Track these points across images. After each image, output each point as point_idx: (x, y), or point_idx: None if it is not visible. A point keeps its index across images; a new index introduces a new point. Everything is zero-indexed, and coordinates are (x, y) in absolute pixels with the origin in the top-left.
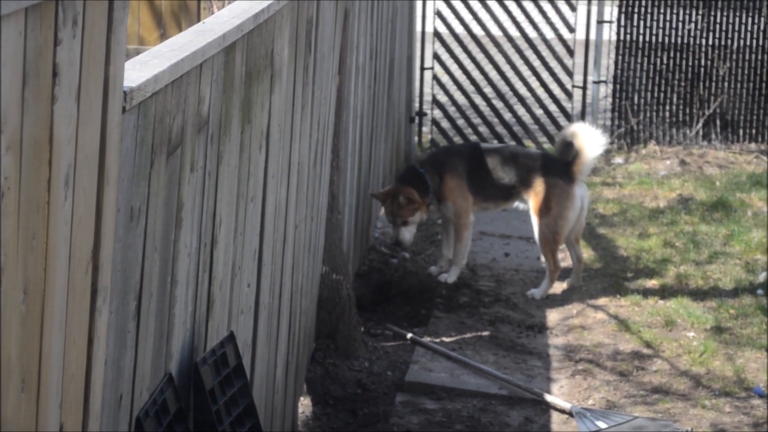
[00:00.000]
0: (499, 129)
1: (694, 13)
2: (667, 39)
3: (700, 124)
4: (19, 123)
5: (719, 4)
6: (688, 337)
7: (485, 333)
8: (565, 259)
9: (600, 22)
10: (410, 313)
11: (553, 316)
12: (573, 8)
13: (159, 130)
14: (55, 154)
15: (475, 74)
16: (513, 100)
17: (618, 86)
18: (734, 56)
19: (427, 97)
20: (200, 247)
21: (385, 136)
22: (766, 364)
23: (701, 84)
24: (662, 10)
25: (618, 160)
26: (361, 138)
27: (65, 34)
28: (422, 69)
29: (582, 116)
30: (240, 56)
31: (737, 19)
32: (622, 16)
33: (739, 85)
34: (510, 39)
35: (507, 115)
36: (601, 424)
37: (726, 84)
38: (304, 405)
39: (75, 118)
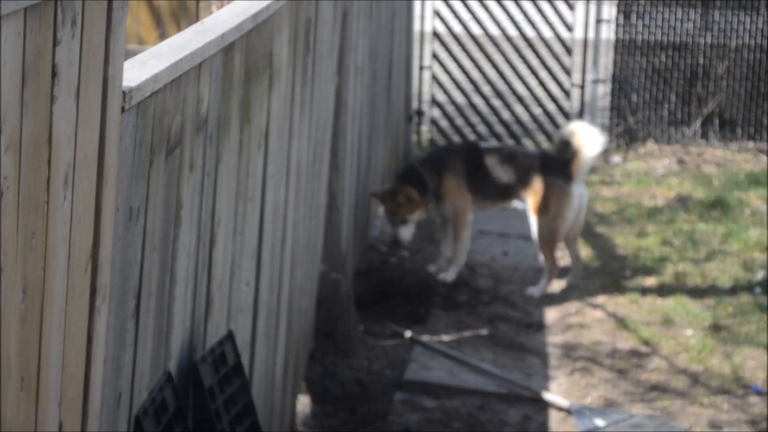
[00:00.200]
0: (498, 128)
1: (692, 12)
2: (665, 38)
3: (699, 123)
4: (19, 123)
5: (717, 3)
6: (686, 335)
7: (484, 331)
8: (563, 257)
9: (598, 21)
10: (409, 311)
11: (551, 314)
12: (571, 7)
13: (158, 129)
14: (55, 153)
15: (474, 73)
16: (511, 100)
17: (616, 85)
18: (732, 55)
19: (426, 97)
20: (199, 247)
21: (383, 136)
22: (763, 362)
23: (699, 83)
24: (660, 9)
25: (616, 158)
26: (360, 137)
27: (64, 34)
28: (421, 68)
29: (580, 115)
30: (239, 56)
31: (735, 18)
32: (621, 15)
33: (737, 84)
34: (508, 38)
35: (505, 115)
36: (600, 422)
37: (724, 83)
38: (303, 403)
39: (74, 118)
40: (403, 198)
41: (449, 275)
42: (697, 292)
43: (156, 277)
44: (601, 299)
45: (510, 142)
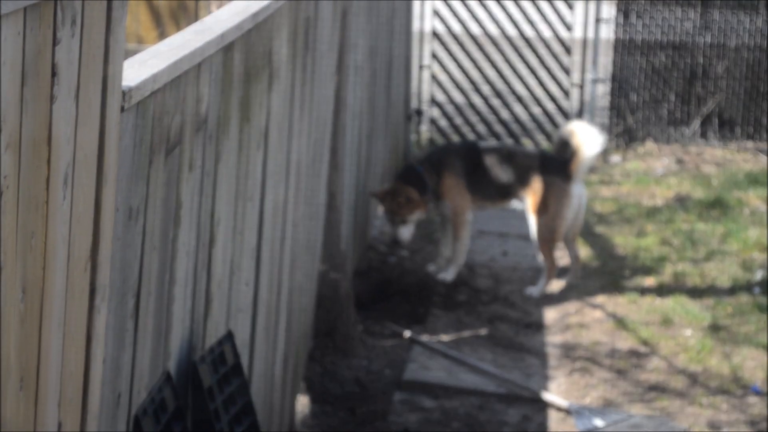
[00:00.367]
0: (497, 127)
1: (691, 11)
2: (664, 38)
3: (698, 123)
4: (18, 122)
5: (716, 2)
6: (685, 335)
7: (483, 331)
8: (562, 257)
9: (598, 20)
10: (408, 311)
11: (550, 314)
12: (571, 7)
13: (158, 129)
14: (54, 153)
15: (473, 73)
16: (511, 99)
17: (616, 85)
18: (732, 55)
19: (425, 96)
20: (199, 246)
21: (383, 135)
22: (762, 362)
23: (699, 82)
24: (660, 9)
25: (615, 158)
26: (360, 137)
27: (64, 33)
28: (420, 68)
29: (580, 115)
30: (238, 55)
31: (734, 18)
32: (620, 14)
33: (736, 84)
34: (508, 38)
35: (505, 114)
36: (599, 422)
37: (723, 82)
38: (303, 403)
39: (74, 118)
40: (403, 198)
41: (448, 275)
42: (696, 292)
43: (155, 277)
44: (600, 299)
45: (509, 141)
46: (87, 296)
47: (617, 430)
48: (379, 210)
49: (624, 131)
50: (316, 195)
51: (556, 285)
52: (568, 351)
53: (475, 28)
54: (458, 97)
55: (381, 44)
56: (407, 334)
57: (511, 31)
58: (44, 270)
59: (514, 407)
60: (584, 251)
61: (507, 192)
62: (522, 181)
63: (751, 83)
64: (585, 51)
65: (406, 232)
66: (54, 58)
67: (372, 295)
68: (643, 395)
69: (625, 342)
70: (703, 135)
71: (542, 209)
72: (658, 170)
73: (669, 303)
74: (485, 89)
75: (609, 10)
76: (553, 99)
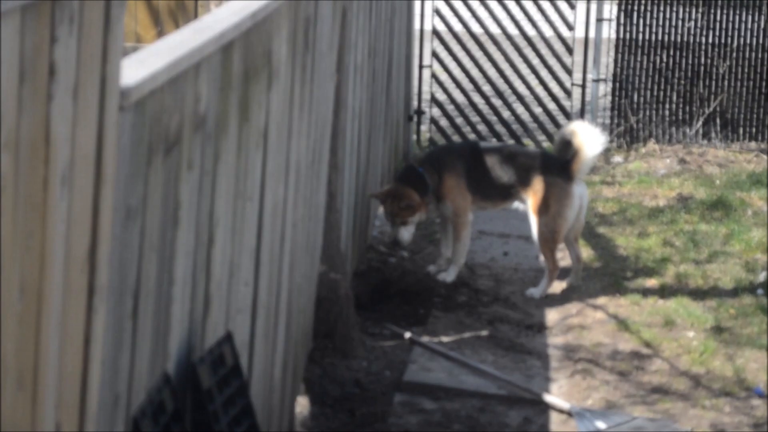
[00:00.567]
0: (498, 127)
1: (693, 11)
2: (666, 37)
3: (700, 123)
4: (16, 121)
5: (719, 2)
6: (687, 337)
7: (484, 332)
8: (564, 258)
9: (599, 20)
10: (409, 312)
11: (552, 315)
12: (572, 6)
13: (156, 128)
14: (52, 152)
15: (474, 72)
16: (512, 99)
17: (617, 84)
18: (734, 54)
19: (426, 96)
20: (197, 246)
21: (383, 135)
22: (765, 364)
23: (701, 82)
24: (662, 8)
25: (617, 158)
26: (360, 137)
27: (62, 32)
28: (421, 67)
29: (581, 115)
30: (238, 55)
31: (737, 18)
32: (622, 14)
33: (739, 84)
34: (509, 37)
35: (506, 114)
36: (601, 425)
37: (726, 82)
38: (302, 405)
39: (72, 117)
40: (405, 202)
41: (449, 276)
42: (698, 294)
43: (154, 277)
44: (602, 300)
45: (510, 141)
46: (85, 296)
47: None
48: (380, 210)
49: (626, 131)
50: (315, 195)
51: (558, 286)
52: (570, 352)
53: (476, 28)
54: (459, 97)
55: (381, 44)
56: (407, 335)
57: (513, 30)
58: (42, 270)
59: (515, 409)
60: (586, 252)
61: (508, 193)
62: (523, 181)
63: (753, 83)
64: (587, 50)
65: (406, 234)
66: (52, 56)
67: (372, 296)
68: (645, 397)
69: (627, 344)
70: (706, 135)
71: (543, 209)
72: (660, 171)
73: (671, 304)
74: (486, 89)
75: (611, 10)
76: (554, 99)
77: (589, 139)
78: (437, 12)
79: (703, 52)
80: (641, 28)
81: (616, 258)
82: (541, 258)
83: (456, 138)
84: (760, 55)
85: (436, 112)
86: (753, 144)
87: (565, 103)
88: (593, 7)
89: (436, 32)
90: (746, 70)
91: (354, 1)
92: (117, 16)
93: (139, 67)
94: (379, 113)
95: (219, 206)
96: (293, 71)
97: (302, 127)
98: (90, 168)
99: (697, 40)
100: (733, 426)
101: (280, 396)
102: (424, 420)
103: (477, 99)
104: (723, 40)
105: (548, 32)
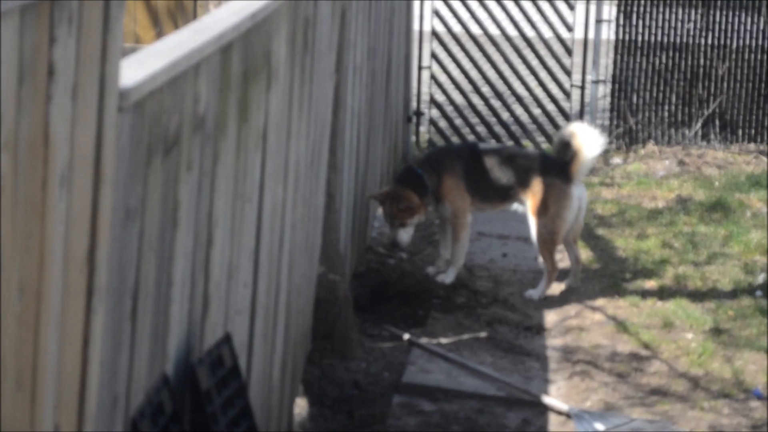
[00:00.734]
0: (497, 129)
1: (693, 12)
2: (666, 38)
3: (699, 125)
4: (15, 122)
5: (718, 3)
6: (686, 339)
7: (483, 334)
8: (563, 259)
9: (599, 21)
10: (407, 313)
11: (551, 317)
12: (571, 7)
13: (155, 129)
14: (51, 153)
15: (473, 74)
16: (511, 100)
17: (616, 86)
18: (733, 56)
19: (425, 97)
20: (196, 247)
21: (382, 136)
22: (764, 366)
23: (700, 84)
24: (661, 10)
25: (616, 160)
26: (359, 137)
27: (61, 32)
28: (420, 68)
29: (580, 116)
30: (237, 55)
31: (736, 19)
32: (621, 15)
33: (738, 85)
34: (508, 38)
35: (505, 115)
36: (599, 426)
37: (725, 84)
38: (301, 406)
39: (71, 117)
40: (404, 203)
41: (448, 277)
42: (697, 295)
43: (153, 278)
44: (600, 302)
45: (509, 142)
46: (84, 297)
47: None
48: (379, 211)
49: (625, 133)
50: (314, 196)
51: (557, 287)
52: (569, 354)
53: (475, 29)
54: (458, 98)
55: (380, 44)
56: (406, 336)
57: (512, 31)
58: (41, 271)
59: (513, 411)
60: (585, 253)
61: (507, 194)
62: (522, 182)
63: (752, 85)
64: (586, 52)
65: (405, 236)
66: (51, 57)
67: (371, 298)
68: (644, 399)
69: (625, 345)
70: (705, 137)
71: (542, 211)
72: (659, 172)
73: (670, 306)
74: (485, 90)
75: (610, 11)
76: (553, 100)
77: (588, 140)
78: (436, 13)
79: (702, 54)
80: (640, 30)
81: (615, 259)
82: (540, 259)
83: (455, 139)
84: (759, 57)
85: (435, 113)
86: (752, 145)
87: (564, 104)
88: (592, 8)
89: (435, 33)
90: (745, 71)
91: (353, 1)
92: (116, 17)
93: (139, 67)
94: (378, 114)
95: (218, 207)
96: (292, 72)
97: (301, 128)
98: (89, 168)
99: (697, 41)
100: (731, 427)
101: (279, 397)
102: (423, 421)
103: (476, 100)
104: (722, 42)
105: (547, 33)
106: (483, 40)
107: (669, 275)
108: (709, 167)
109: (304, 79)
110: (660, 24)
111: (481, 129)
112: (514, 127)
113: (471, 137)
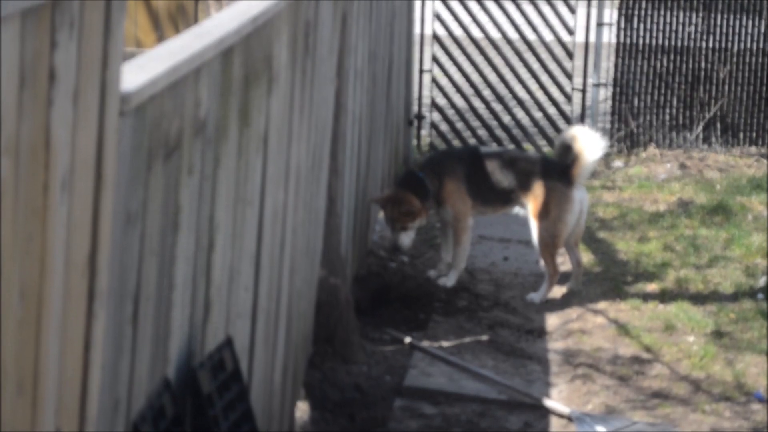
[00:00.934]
0: (498, 132)
1: (694, 15)
2: (667, 42)
3: (701, 128)
4: (16, 126)
5: (719, 6)
6: (687, 342)
7: (484, 337)
8: (564, 263)
9: (600, 24)
10: (409, 317)
11: (552, 320)
12: (572, 11)
13: (156, 133)
14: (52, 157)
15: (474, 77)
16: (512, 103)
17: (618, 89)
18: (734, 59)
19: (426, 100)
20: (197, 251)
21: (383, 140)
22: (766, 369)
23: (701, 87)
24: (662, 13)
25: (618, 163)
26: (360, 141)
27: (62, 36)
28: (421, 72)
29: (581, 119)
30: (238, 59)
31: (737, 22)
32: (622, 18)
33: (739, 89)
34: (509, 42)
35: (506, 118)
36: (601, 429)
37: (726, 87)
38: (302, 410)
39: (72, 122)
40: (405, 207)
41: (449, 280)
42: (699, 299)
43: (154, 282)
44: (602, 305)
45: (511, 146)
46: (85, 301)
47: None
48: (380, 215)
49: (626, 136)
50: (315, 200)
51: (558, 291)
52: (570, 357)
53: (476, 32)
54: (459, 102)
55: (381, 48)
56: (407, 339)
57: (513, 34)
58: (42, 275)
59: (515, 414)
60: (586, 257)
61: (508, 198)
62: (523, 186)
63: (754, 88)
64: (587, 55)
65: (406, 239)
66: (52, 61)
67: (372, 301)
68: (645, 402)
69: (627, 348)
70: (706, 140)
71: (544, 214)
72: (661, 175)
73: (672, 309)
74: (486, 93)
75: (611, 14)
76: (554, 103)
77: (589, 143)
78: (437, 16)
79: (703, 57)
80: (641, 33)
81: (616, 263)
82: (542, 263)
83: (456, 143)
84: (760, 60)
85: (436, 116)
86: (753, 149)
87: (566, 107)
88: (593, 11)
89: (436, 37)
90: (746, 74)
91: (354, 4)
92: (117, 21)
93: (140, 72)
94: (379, 117)
95: (219, 211)
96: (293, 76)
97: (302, 132)
98: (90, 173)
99: (698, 44)
100: (733, 430)
101: (280, 401)
102: (425, 425)
103: (477, 103)
104: (723, 45)
105: (548, 37)
106: (484, 43)
107: (670, 278)
108: (711, 170)
109: (305, 83)
110: (661, 27)
111: (482, 132)
112: (516, 131)
113: (472, 141)
